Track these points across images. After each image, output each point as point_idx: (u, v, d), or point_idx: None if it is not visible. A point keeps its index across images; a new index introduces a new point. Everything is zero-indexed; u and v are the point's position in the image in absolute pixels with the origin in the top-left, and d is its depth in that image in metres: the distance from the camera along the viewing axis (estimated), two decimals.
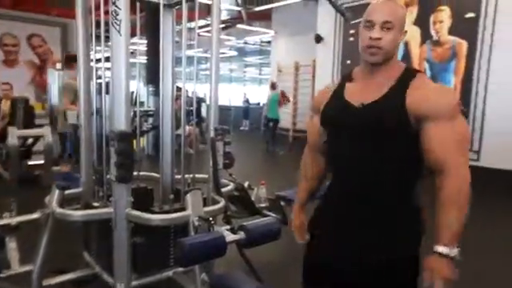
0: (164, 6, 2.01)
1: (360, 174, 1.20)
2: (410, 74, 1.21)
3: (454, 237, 1.06)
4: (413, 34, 5.91)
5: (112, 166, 1.76)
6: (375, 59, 1.19)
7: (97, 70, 2.15)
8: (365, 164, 1.19)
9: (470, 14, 5.30)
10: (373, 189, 1.19)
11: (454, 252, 1.06)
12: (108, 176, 1.93)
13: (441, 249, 1.06)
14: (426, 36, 5.77)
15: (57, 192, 2.02)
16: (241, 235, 1.45)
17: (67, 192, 2.10)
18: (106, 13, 1.81)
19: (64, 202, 2.04)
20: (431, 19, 5.70)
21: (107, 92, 2.20)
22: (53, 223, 1.98)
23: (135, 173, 2.12)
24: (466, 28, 5.35)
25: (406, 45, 5.98)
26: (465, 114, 5.42)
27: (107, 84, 2.14)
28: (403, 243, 1.18)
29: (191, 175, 2.28)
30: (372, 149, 1.18)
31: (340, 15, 2.29)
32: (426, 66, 5.82)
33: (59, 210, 1.94)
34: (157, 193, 2.17)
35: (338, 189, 1.28)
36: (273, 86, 8.91)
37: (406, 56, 5.97)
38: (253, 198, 2.95)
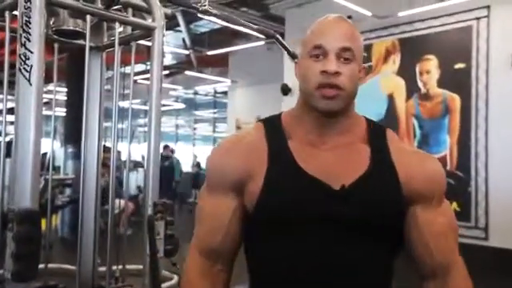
0: (91, 48, 2.03)
1: None
2: (378, 130, 1.08)
3: None
4: (397, 85, 6.30)
5: (7, 257, 1.62)
6: (335, 105, 0.99)
7: None
8: (350, 278, 0.98)
9: (460, 65, 5.77)
10: None
11: None
12: (1, 271, 1.77)
13: None
14: (412, 89, 6.15)
15: None
16: None
17: None
18: (13, 53, 1.78)
19: None
20: (417, 69, 6.13)
21: (8, 154, 2.10)
22: None
23: (41, 265, 1.97)
24: (456, 80, 5.78)
25: (390, 98, 6.33)
26: (465, 183, 5.65)
27: (9, 143, 2.05)
28: None
29: (120, 266, 2.16)
30: (362, 253, 0.98)
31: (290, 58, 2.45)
32: (415, 123, 6.14)
33: None
34: None
35: None
36: None
37: (391, 111, 6.30)
38: None
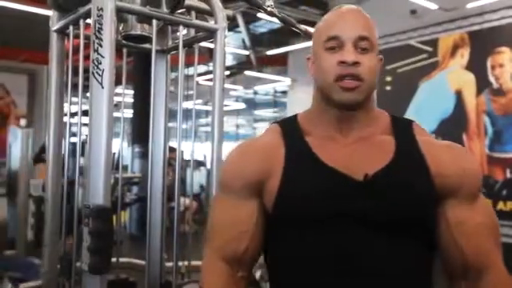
0: (156, 51, 2.10)
1: None
2: (403, 123, 1.03)
3: None
4: (466, 81, 6.03)
5: (84, 250, 1.73)
6: (356, 97, 0.94)
7: (71, 125, 2.19)
8: (378, 276, 0.91)
9: None
10: None
11: None
12: (78, 264, 1.88)
13: None
14: (483, 84, 5.87)
15: (9, 286, 1.98)
16: None
17: (23, 286, 2.05)
18: (87, 58, 1.90)
19: None
20: (488, 63, 5.84)
21: (82, 154, 2.22)
22: None
23: (113, 259, 2.07)
24: None
25: (458, 94, 6.08)
26: None
27: (83, 144, 2.17)
28: None
29: (186, 262, 2.22)
30: (390, 250, 0.92)
31: None
32: (487, 120, 5.86)
33: None
34: (141, 285, 2.10)
35: None
36: None
37: (459, 107, 6.04)
38: None
